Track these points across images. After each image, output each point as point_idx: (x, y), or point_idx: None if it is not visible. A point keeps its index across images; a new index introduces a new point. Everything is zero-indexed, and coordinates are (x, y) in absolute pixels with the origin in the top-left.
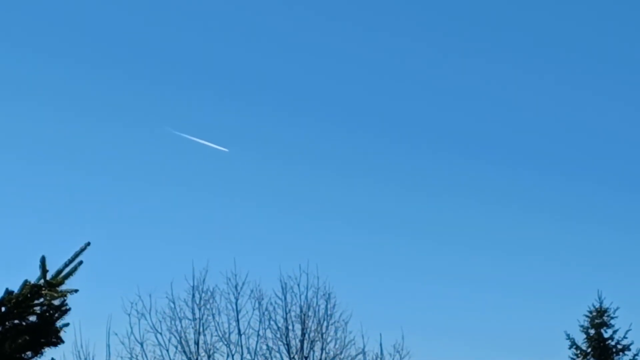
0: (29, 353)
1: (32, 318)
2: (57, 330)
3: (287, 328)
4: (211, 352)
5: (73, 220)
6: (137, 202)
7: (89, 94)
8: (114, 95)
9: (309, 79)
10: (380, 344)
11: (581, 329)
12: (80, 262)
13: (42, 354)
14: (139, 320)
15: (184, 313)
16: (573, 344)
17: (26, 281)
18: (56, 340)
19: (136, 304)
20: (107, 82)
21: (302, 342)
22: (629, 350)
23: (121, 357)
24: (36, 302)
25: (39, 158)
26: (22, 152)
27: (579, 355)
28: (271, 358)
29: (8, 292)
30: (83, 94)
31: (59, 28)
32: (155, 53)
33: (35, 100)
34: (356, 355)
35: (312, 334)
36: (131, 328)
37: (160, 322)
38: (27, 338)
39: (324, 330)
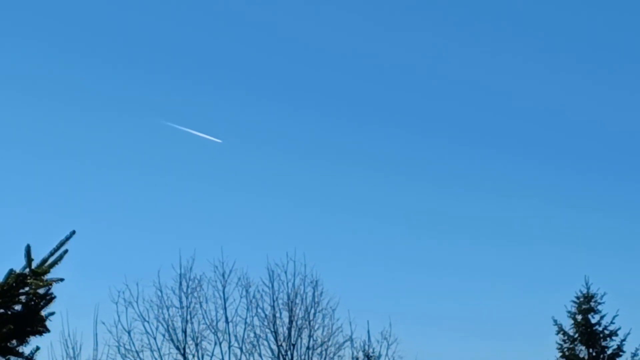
0: (14, 342)
1: (18, 307)
2: (43, 319)
3: (274, 316)
4: (199, 340)
5: (59, 209)
6: (125, 191)
7: (80, 85)
8: (106, 86)
9: (300, 70)
10: (368, 331)
11: (568, 314)
12: (66, 251)
13: (27, 342)
14: (127, 308)
15: (172, 301)
16: (560, 330)
17: (11, 270)
18: (42, 329)
19: (123, 292)
20: (99, 72)
21: (289, 329)
22: (616, 335)
23: (109, 346)
24: (21, 291)
25: (24, 147)
26: (6, 141)
27: (567, 340)
28: (259, 345)
29: None
30: (73, 84)
31: (53, 20)
32: (148, 45)
33: (23, 89)
34: (344, 343)
35: (299, 322)
36: (118, 317)
37: (147, 310)
38: (12, 327)
39: (311, 318)
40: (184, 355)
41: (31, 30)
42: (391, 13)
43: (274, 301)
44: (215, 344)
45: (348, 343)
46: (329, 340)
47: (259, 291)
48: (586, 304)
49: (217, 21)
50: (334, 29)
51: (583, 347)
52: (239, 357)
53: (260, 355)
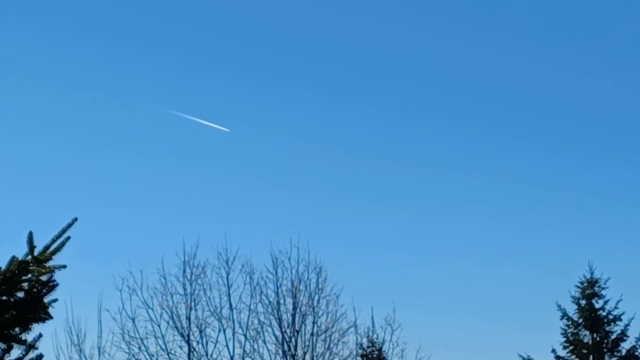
0: (17, 329)
1: (20, 294)
2: (45, 306)
3: (278, 302)
4: (203, 327)
5: (62, 196)
6: (129, 178)
7: (86, 72)
8: (114, 74)
9: (307, 58)
10: (372, 317)
11: (572, 300)
12: (68, 238)
13: (30, 329)
14: (130, 296)
15: (175, 288)
16: (564, 315)
17: (13, 257)
18: (44, 316)
19: (127, 280)
20: (106, 60)
21: (293, 316)
22: (620, 320)
23: (113, 333)
24: (24, 278)
25: (28, 132)
26: (10, 126)
27: (571, 326)
28: (263, 332)
29: None
30: (79, 70)
31: (62, 7)
32: (155, 33)
33: (29, 75)
34: (348, 329)
35: (303, 308)
36: (122, 304)
37: (151, 297)
38: (15, 313)
39: (315, 304)
40: (188, 342)
41: (41, 17)
42: (395, 8)
43: (277, 288)
44: (220, 330)
45: (352, 329)
46: (333, 326)
47: (262, 278)
48: (590, 289)
49: (224, 9)
50: (344, 18)
51: (587, 332)
52: (243, 343)
53: (264, 341)
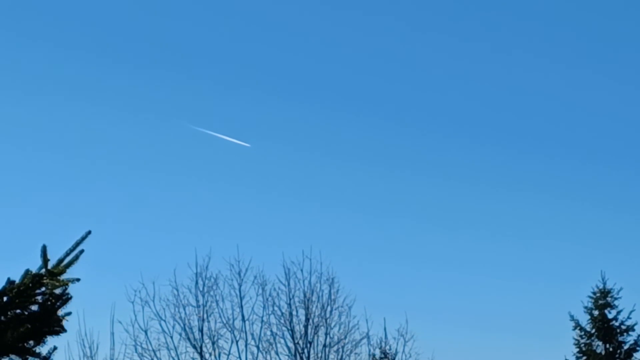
0: (31, 342)
1: (34, 307)
2: (59, 319)
3: (290, 314)
4: (215, 338)
5: (76, 209)
6: (142, 190)
7: (106, 86)
8: (134, 89)
9: (324, 72)
10: (385, 329)
11: (585, 310)
12: (82, 251)
13: (44, 342)
14: (143, 308)
15: (188, 300)
16: (577, 326)
17: (27, 270)
18: (58, 329)
19: (140, 291)
20: (127, 75)
21: (306, 327)
22: (633, 330)
23: (125, 345)
24: (38, 291)
25: (43, 146)
26: (23, 139)
27: (584, 336)
28: (275, 344)
29: (10, 282)
30: (99, 85)
31: (83, 24)
32: (176, 49)
33: (47, 90)
34: (360, 340)
35: (316, 319)
36: (135, 316)
37: (164, 309)
38: (29, 327)
39: (327, 315)
40: (200, 353)
41: (61, 33)
42: (404, 12)
43: (290, 299)
44: (232, 342)
45: (365, 340)
46: (345, 337)
47: (275, 289)
48: (603, 299)
49: (245, 25)
50: (361, 33)
51: (600, 343)
52: (255, 355)
53: (277, 353)
